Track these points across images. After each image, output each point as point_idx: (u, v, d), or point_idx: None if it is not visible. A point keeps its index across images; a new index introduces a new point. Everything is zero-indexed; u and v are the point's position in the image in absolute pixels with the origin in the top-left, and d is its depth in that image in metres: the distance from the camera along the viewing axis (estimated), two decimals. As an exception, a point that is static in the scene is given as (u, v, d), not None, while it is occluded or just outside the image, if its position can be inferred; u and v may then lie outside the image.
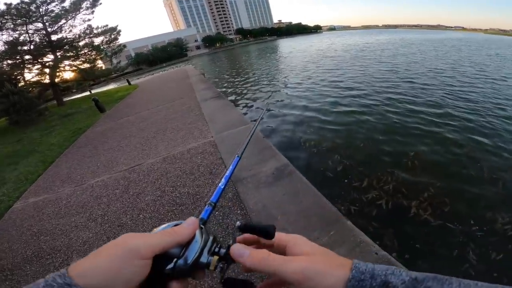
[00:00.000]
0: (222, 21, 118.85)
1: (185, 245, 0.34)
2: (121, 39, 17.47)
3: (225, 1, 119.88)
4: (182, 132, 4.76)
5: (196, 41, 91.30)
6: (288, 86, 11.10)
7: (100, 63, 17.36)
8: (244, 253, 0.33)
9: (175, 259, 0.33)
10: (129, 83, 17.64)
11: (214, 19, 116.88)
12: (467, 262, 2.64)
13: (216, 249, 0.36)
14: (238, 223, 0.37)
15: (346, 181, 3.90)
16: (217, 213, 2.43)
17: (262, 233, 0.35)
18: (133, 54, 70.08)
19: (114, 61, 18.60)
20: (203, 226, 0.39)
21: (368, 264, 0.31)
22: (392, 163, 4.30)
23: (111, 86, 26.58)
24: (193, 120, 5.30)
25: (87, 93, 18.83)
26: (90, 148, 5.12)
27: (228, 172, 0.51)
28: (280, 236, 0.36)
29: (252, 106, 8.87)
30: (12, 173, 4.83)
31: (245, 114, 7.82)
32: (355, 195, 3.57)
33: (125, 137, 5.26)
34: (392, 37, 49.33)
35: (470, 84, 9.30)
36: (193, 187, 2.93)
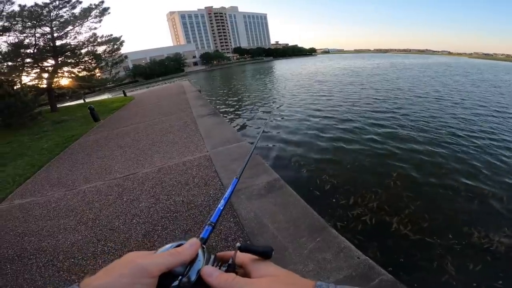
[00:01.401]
0: (221, 39, 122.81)
1: (189, 264, 0.37)
2: (122, 50, 17.78)
3: (226, 20, 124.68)
4: (178, 145, 4.91)
5: (194, 57, 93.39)
6: (280, 109, 11.53)
7: (98, 72, 17.48)
8: (212, 274, 0.36)
9: (179, 277, 0.35)
10: (125, 94, 17.77)
11: (214, 37, 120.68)
12: (446, 273, 2.80)
13: (217, 267, 0.39)
14: (238, 244, 0.39)
15: (333, 199, 4.13)
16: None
17: (259, 254, 0.38)
18: (131, 66, 70.71)
19: (113, 71, 18.80)
20: (204, 246, 0.41)
21: (330, 284, 0.32)
22: (376, 183, 4.58)
23: (105, 96, 26.60)
24: (189, 135, 5.47)
25: (81, 101, 18.78)
26: (83, 155, 5.17)
27: (227, 194, 0.54)
28: (244, 258, 0.39)
29: (245, 125, 9.16)
30: (-2, 174, 4.78)
31: (238, 130, 8.08)
32: (341, 211, 3.79)
33: (120, 146, 5.36)
34: (387, 61, 51.82)
35: (453, 110, 10.00)
36: (188, 196, 3.05)
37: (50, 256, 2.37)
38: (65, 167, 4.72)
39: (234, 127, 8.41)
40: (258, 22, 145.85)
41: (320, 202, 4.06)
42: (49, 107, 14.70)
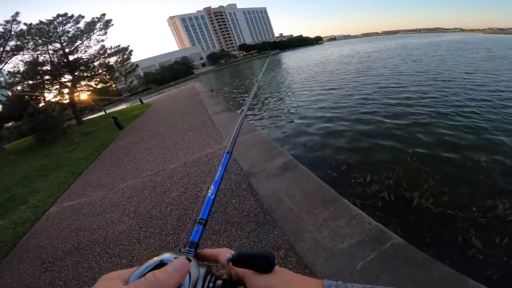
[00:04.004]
0: (225, 37, 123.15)
1: None
2: (132, 59, 18.52)
3: (227, 18, 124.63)
4: (198, 141, 5.25)
5: (201, 58, 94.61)
6: (291, 96, 11.63)
7: (113, 83, 18.32)
8: None
9: None
10: (142, 102, 18.62)
11: (217, 36, 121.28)
12: (473, 247, 2.68)
13: (211, 284, 0.31)
14: (228, 255, 0.32)
15: (350, 178, 4.13)
16: (233, 200, 2.83)
17: (257, 268, 0.32)
18: (142, 74, 72.94)
19: (127, 80, 19.60)
20: (191, 259, 0.32)
21: (339, 282, 0.31)
22: (393, 160, 4.55)
23: (123, 106, 27.84)
24: (207, 131, 5.81)
25: (102, 113, 19.84)
26: (116, 160, 5.65)
27: (217, 177, 0.45)
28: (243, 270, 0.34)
29: (259, 116, 9.36)
30: (44, 183, 5.37)
31: (252, 122, 8.30)
32: (360, 189, 3.79)
33: (147, 148, 5.79)
34: (397, 42, 49.92)
35: (468, 84, 9.62)
36: (212, 182, 3.36)
37: (103, 246, 2.72)
38: (102, 171, 5.20)
39: (249, 119, 8.63)
40: (259, 16, 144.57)
41: (337, 182, 4.05)
42: (75, 121, 15.71)
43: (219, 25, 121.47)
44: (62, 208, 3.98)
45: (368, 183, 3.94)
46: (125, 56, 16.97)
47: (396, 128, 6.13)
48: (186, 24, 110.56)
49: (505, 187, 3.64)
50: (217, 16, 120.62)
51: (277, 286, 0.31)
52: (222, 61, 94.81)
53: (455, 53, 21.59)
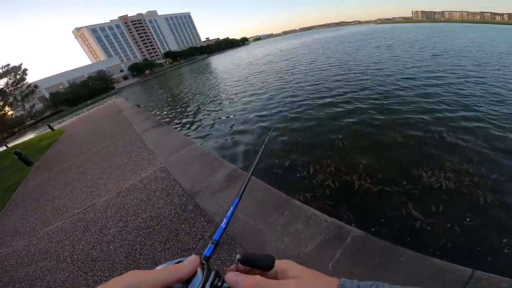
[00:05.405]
0: (147, 46, 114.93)
1: (187, 281, 0.36)
2: (29, 79, 15.75)
3: (147, 27, 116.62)
4: (129, 166, 4.97)
5: (121, 71, 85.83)
6: (224, 102, 11.92)
7: (9, 110, 15.17)
8: (238, 279, 0.36)
9: None
10: (52, 129, 15.81)
11: (138, 46, 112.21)
12: (417, 219, 2.87)
13: (219, 283, 0.39)
14: (238, 256, 0.39)
15: (295, 173, 4.31)
16: (183, 225, 2.80)
17: (261, 265, 0.38)
18: (47, 95, 61.62)
19: (27, 105, 16.48)
20: (205, 262, 0.41)
21: (354, 281, 0.34)
22: (328, 148, 5.00)
23: (30, 136, 23.14)
24: (137, 152, 5.53)
25: (3, 147, 16.08)
26: (30, 202, 4.85)
27: (229, 212, 0.54)
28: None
29: (195, 126, 9.31)
30: None
31: (188, 135, 8.23)
32: (306, 182, 3.98)
33: (67, 183, 5.15)
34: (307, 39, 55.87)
35: (379, 72, 11.77)
36: (154, 210, 3.24)
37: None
38: (17, 217, 4.41)
39: (183, 132, 8.50)
40: (183, 22, 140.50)
41: (284, 179, 4.21)
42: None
43: (139, 34, 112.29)
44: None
45: (312, 174, 4.13)
46: (18, 77, 14.31)
47: (325, 118, 6.88)
48: (98, 35, 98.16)
49: (421, 156, 4.20)
50: (135, 25, 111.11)
51: (305, 276, 0.37)
52: (147, 72, 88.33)
53: (356, 44, 26.14)
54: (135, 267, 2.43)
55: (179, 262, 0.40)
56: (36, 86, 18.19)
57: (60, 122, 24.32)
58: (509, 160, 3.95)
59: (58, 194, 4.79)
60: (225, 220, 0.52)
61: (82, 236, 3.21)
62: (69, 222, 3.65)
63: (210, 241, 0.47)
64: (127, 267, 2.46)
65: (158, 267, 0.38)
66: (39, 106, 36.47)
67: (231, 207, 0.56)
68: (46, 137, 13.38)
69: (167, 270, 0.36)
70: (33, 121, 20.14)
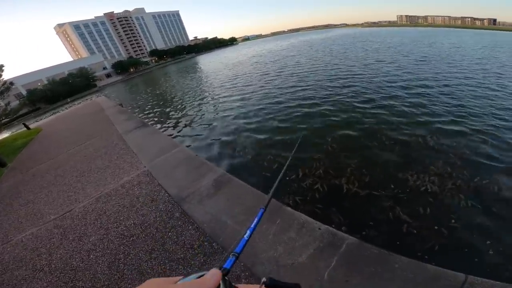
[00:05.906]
0: (132, 44, 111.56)
1: None
2: (6, 75, 14.82)
3: (133, 24, 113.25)
4: (110, 169, 4.72)
5: (105, 68, 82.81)
6: (210, 103, 11.73)
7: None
8: None
9: None
10: (28, 128, 14.91)
11: (124, 43, 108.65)
12: (404, 222, 2.90)
13: None
14: (264, 279, 0.38)
15: (285, 176, 4.17)
16: (170, 233, 2.65)
17: None
18: (24, 92, 58.38)
19: (1, 103, 15.49)
20: (226, 278, 0.41)
21: None
22: (316, 151, 4.98)
23: (4, 135, 21.78)
24: (119, 155, 5.27)
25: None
26: (3, 206, 4.50)
27: (252, 224, 0.54)
28: None
29: (181, 128, 9.08)
30: None
31: (174, 137, 8.00)
32: (295, 185, 3.95)
33: (43, 187, 4.82)
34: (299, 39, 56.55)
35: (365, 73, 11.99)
36: (138, 217, 3.07)
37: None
38: None
39: (168, 134, 8.26)
40: (171, 20, 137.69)
41: (273, 182, 4.33)
42: None
43: (124, 31, 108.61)
44: None
45: (301, 178, 4.12)
46: (-8, 74, 13.37)
47: (312, 122, 6.85)
48: (81, 31, 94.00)
49: (406, 159, 4.30)
50: (121, 22, 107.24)
51: None
52: (132, 70, 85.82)
53: (344, 47, 26.75)
54: (119, 278, 2.30)
55: (200, 276, 0.39)
56: (11, 83, 17.18)
57: (38, 121, 23.03)
58: (491, 163, 4.11)
59: (33, 198, 4.46)
60: (248, 232, 0.51)
61: (60, 244, 3.00)
62: (45, 228, 3.40)
63: (232, 254, 0.46)
64: (111, 278, 2.32)
65: (181, 280, 0.38)
66: (15, 103, 34.40)
67: (255, 219, 0.57)
68: (22, 136, 12.59)
69: (191, 285, 0.37)
70: (7, 119, 18.85)
